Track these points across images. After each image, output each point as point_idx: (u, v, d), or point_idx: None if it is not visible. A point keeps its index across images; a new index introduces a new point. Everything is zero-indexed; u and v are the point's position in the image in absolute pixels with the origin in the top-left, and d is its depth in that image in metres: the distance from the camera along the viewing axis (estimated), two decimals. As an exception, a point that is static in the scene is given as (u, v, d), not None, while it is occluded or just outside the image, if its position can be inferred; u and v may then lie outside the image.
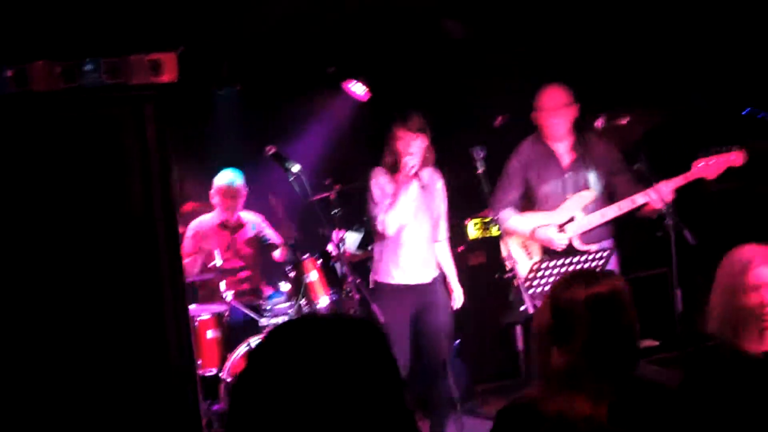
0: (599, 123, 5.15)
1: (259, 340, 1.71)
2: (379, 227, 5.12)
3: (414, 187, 5.15)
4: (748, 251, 3.06)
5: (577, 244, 5.14)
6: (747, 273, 3.00)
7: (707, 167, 4.94)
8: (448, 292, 5.39)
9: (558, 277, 4.41)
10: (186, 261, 5.75)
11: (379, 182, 5.20)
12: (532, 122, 5.33)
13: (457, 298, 5.42)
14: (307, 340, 1.63)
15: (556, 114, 5.21)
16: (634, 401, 2.50)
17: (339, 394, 1.57)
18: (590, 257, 4.69)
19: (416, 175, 5.11)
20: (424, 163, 5.23)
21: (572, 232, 5.16)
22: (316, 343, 1.62)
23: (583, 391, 2.43)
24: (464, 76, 6.69)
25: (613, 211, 5.11)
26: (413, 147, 5.10)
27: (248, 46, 6.14)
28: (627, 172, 5.22)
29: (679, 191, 4.97)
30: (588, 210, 5.18)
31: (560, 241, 5.13)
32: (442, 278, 5.38)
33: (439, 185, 5.37)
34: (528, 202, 5.36)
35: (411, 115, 5.13)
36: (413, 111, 5.16)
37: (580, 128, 5.30)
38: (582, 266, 4.58)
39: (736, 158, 4.93)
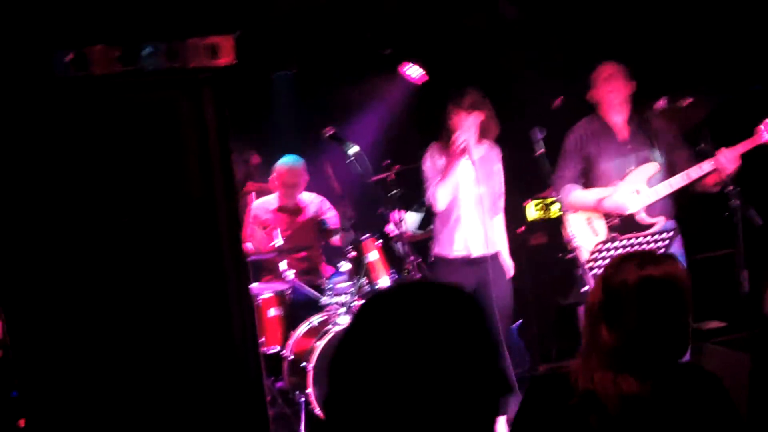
0: (661, 104, 5.08)
1: (353, 312, 1.69)
2: (429, 201, 5.19)
3: (466, 162, 5.17)
4: None
5: (643, 217, 5.07)
6: None
7: None
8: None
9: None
10: (247, 241, 5.83)
11: (431, 158, 5.28)
12: (588, 103, 5.27)
13: (507, 271, 5.48)
14: (404, 308, 1.63)
15: (612, 86, 5.15)
16: (680, 384, 2.47)
17: (434, 363, 1.57)
18: (655, 237, 4.61)
19: (466, 150, 5.12)
20: (483, 137, 5.27)
21: (639, 204, 5.08)
22: (412, 311, 1.62)
23: (627, 371, 2.41)
24: (521, 57, 6.62)
25: (680, 180, 5.01)
26: (465, 124, 5.14)
27: (304, 29, 6.14)
28: (686, 148, 5.15)
29: (745, 171, 4.86)
30: (652, 183, 5.10)
31: (632, 205, 5.06)
32: (501, 255, 5.39)
33: (496, 159, 5.37)
34: (589, 178, 5.29)
35: (465, 91, 5.17)
36: (468, 87, 5.18)
37: (640, 108, 5.23)
38: (646, 246, 4.50)
39: None
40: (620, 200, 5.08)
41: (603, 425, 2.38)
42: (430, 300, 1.64)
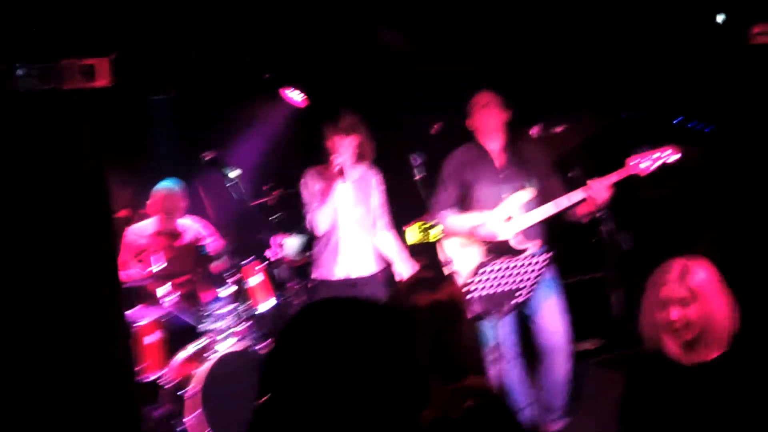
0: (535, 131, 5.20)
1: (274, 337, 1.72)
2: (308, 225, 5.22)
3: (345, 184, 5.22)
4: (668, 265, 3.09)
5: (515, 243, 5.18)
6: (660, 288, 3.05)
7: (640, 163, 4.99)
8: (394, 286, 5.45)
9: (499, 280, 4.46)
10: (122, 268, 5.68)
11: (308, 183, 5.32)
12: (467, 129, 5.38)
13: (405, 276, 5.46)
14: (334, 320, 1.71)
15: (487, 114, 5.26)
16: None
17: (360, 374, 1.64)
18: (531, 261, 4.71)
19: (343, 173, 5.17)
20: (359, 159, 5.34)
21: (510, 231, 5.19)
22: (341, 323, 1.70)
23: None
24: (401, 83, 6.71)
25: (550, 208, 5.13)
26: (342, 146, 5.20)
27: (183, 51, 6.08)
28: (557, 175, 5.29)
29: (613, 199, 5.02)
30: (525, 209, 5.22)
31: (503, 233, 5.15)
32: (383, 275, 5.43)
33: (373, 180, 5.43)
34: (465, 204, 5.38)
35: (341, 115, 5.23)
36: (344, 111, 5.24)
37: (514, 134, 5.36)
38: (523, 269, 4.59)
39: (669, 154, 4.99)
40: (492, 229, 5.17)
41: None
42: (360, 314, 1.72)
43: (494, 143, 5.32)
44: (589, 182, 4.95)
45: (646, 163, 5.00)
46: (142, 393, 5.07)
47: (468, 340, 2.62)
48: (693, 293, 2.98)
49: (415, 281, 2.73)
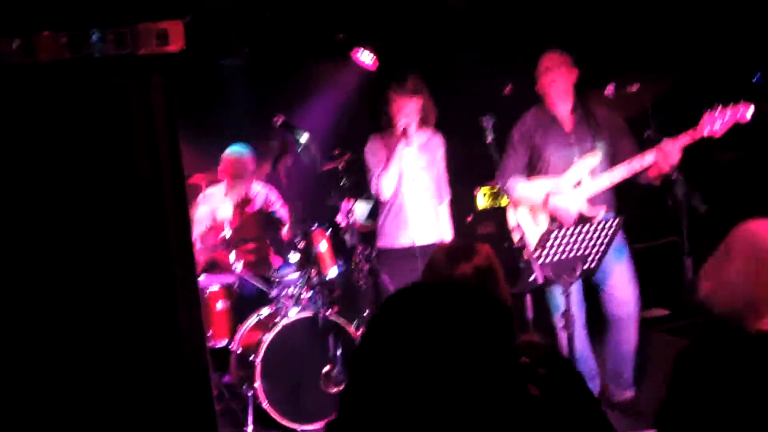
0: (609, 91, 5.11)
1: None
2: (374, 190, 5.19)
3: (410, 149, 5.18)
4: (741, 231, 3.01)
5: (585, 209, 5.12)
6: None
7: (713, 123, 4.86)
8: None
9: (569, 246, 4.42)
10: (195, 232, 5.76)
11: (372, 148, 5.29)
12: (537, 92, 5.32)
13: None
14: (427, 309, 1.59)
15: (553, 76, 5.18)
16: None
17: (455, 365, 1.53)
18: (599, 227, 4.66)
19: (408, 135, 5.13)
20: (422, 124, 5.27)
21: (581, 195, 5.13)
22: (435, 312, 1.58)
23: None
24: (472, 45, 6.64)
25: (622, 172, 5.05)
26: (407, 109, 5.15)
27: (255, 14, 6.08)
28: (630, 136, 5.20)
29: (690, 159, 4.93)
30: (595, 173, 5.15)
31: (575, 206, 5.10)
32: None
33: (439, 145, 5.39)
34: (534, 169, 5.33)
35: (405, 77, 5.16)
36: (408, 73, 5.18)
37: (585, 95, 5.28)
38: (591, 235, 4.55)
39: (743, 112, 4.85)
40: (563, 202, 5.11)
41: None
42: (460, 302, 1.61)
43: (563, 106, 5.23)
44: (661, 143, 4.86)
45: (719, 122, 4.86)
46: (212, 360, 5.16)
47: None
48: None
49: (450, 252, 2.71)
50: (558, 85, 5.19)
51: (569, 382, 2.42)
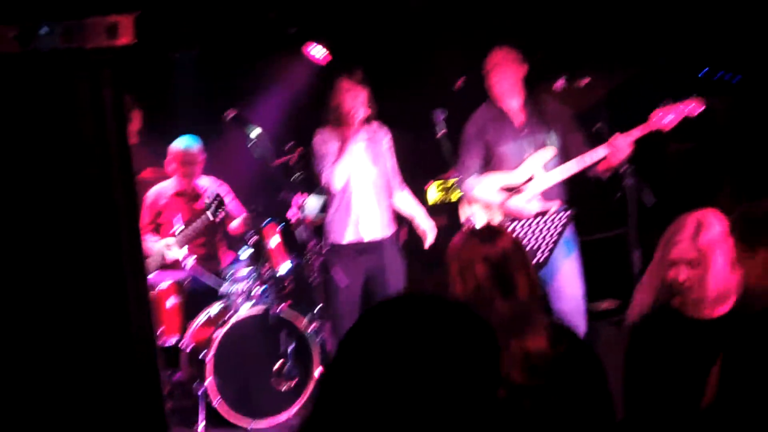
0: (559, 85, 5.16)
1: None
2: (324, 181, 5.16)
3: (360, 139, 5.17)
4: (682, 222, 3.09)
5: (539, 206, 5.16)
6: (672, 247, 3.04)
7: (664, 117, 4.95)
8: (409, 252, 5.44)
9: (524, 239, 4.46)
10: (144, 229, 5.68)
11: (322, 138, 5.25)
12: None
13: (429, 232, 5.48)
14: (403, 324, 1.52)
15: (500, 73, 5.20)
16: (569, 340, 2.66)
17: (431, 381, 1.47)
18: (548, 219, 4.70)
19: (362, 126, 5.13)
20: (368, 118, 5.26)
21: (535, 190, 5.17)
22: (413, 327, 1.51)
23: (533, 333, 2.57)
24: (423, 38, 6.65)
25: (574, 166, 5.11)
26: (359, 98, 5.13)
27: (206, 7, 6.03)
28: (579, 130, 5.26)
29: (638, 151, 4.99)
30: (548, 168, 5.19)
31: (530, 210, 5.13)
32: (395, 240, 5.41)
33: (385, 139, 5.39)
34: (488, 164, 5.36)
35: (354, 66, 5.15)
36: (355, 64, 5.17)
37: (536, 89, 5.32)
38: (543, 228, 4.59)
39: (693, 107, 4.95)
40: (520, 206, 5.13)
41: (510, 392, 2.47)
42: (442, 318, 1.54)
43: (512, 101, 5.26)
44: (611, 138, 4.92)
45: (670, 117, 4.95)
46: (163, 357, 5.11)
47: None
48: (702, 253, 2.97)
49: (475, 234, 2.77)
50: (506, 81, 5.21)
51: (585, 365, 2.61)
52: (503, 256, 2.67)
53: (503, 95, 5.25)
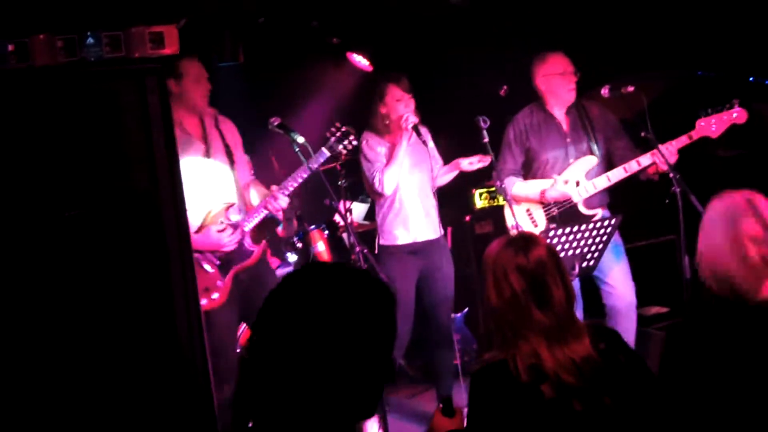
0: (605, 92, 5.14)
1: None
2: (377, 186, 5.18)
3: (408, 145, 5.19)
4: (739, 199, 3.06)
5: (582, 209, 5.16)
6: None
7: (709, 125, 4.94)
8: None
9: (568, 244, 4.44)
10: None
11: (371, 144, 5.27)
12: (534, 91, 5.33)
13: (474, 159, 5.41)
14: (313, 284, 1.87)
15: (560, 80, 5.21)
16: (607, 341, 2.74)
17: (333, 334, 1.81)
18: (597, 225, 4.68)
19: (410, 132, 5.14)
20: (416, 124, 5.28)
21: (578, 197, 5.17)
22: (319, 288, 1.86)
23: (574, 338, 2.64)
24: (468, 45, 6.63)
25: (618, 173, 5.13)
26: (408, 107, 5.17)
27: (250, 17, 6.08)
28: (625, 138, 5.28)
29: (687, 158, 4.96)
30: (591, 175, 5.19)
31: (575, 195, 5.15)
32: (444, 240, 5.42)
33: (430, 143, 5.40)
34: (530, 170, 5.36)
35: (401, 74, 5.19)
36: (402, 72, 5.21)
37: (581, 96, 5.33)
38: (589, 234, 4.56)
39: (738, 116, 4.94)
40: (562, 190, 5.17)
41: (558, 391, 2.58)
42: (344, 283, 1.88)
43: (560, 107, 5.28)
44: (659, 147, 4.89)
45: (716, 124, 4.92)
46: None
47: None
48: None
49: (512, 242, 2.80)
50: (562, 90, 5.24)
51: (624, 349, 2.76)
52: (538, 266, 2.68)
53: (554, 99, 5.28)
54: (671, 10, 6.04)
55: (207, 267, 4.72)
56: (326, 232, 5.65)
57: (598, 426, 2.59)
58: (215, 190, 4.84)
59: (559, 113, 5.29)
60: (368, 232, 6.21)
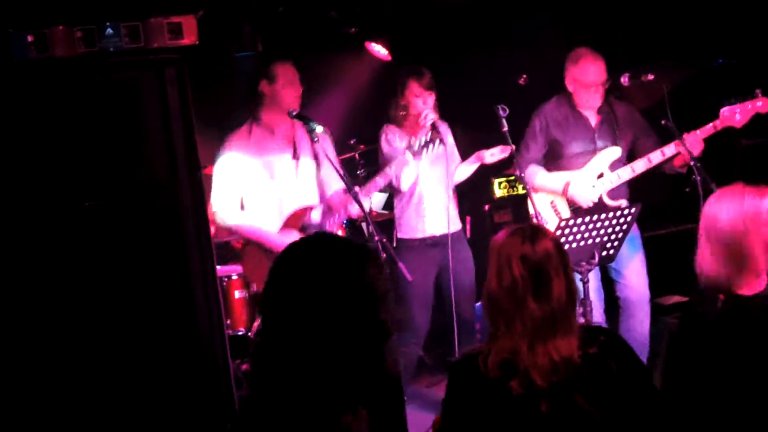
0: (624, 80, 5.12)
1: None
2: (394, 183, 5.18)
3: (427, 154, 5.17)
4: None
5: (607, 200, 5.15)
6: None
7: (733, 114, 4.91)
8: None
9: (588, 233, 4.43)
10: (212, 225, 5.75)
11: (389, 138, 5.25)
12: (555, 78, 5.30)
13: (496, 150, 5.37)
14: (308, 254, 2.10)
15: (595, 89, 5.16)
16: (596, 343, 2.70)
17: (324, 305, 2.00)
18: (617, 214, 4.66)
19: (437, 128, 5.12)
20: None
21: (602, 187, 5.15)
22: (314, 257, 2.08)
23: (562, 336, 2.62)
24: (486, 34, 6.61)
25: (643, 164, 5.10)
26: (428, 102, 5.14)
27: (269, 7, 6.08)
28: (653, 134, 5.25)
29: (708, 147, 4.92)
30: (615, 167, 5.16)
31: (593, 197, 5.14)
32: (463, 234, 5.41)
33: (450, 136, 5.38)
34: (555, 163, 5.34)
35: (423, 70, 5.17)
36: (423, 67, 5.19)
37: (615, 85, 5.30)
38: (608, 224, 4.54)
39: (763, 105, 4.91)
40: (583, 192, 5.15)
41: (526, 389, 2.58)
42: (321, 252, 2.09)
43: (591, 104, 5.24)
44: (684, 137, 4.86)
45: (740, 114, 4.90)
46: (232, 347, 5.17)
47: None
48: None
49: (518, 232, 2.78)
50: (596, 97, 5.19)
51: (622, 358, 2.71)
52: (543, 258, 2.66)
53: (586, 96, 5.22)
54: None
55: None
56: (345, 221, 5.64)
57: (565, 429, 2.58)
58: (299, 191, 4.95)
59: (587, 111, 5.26)
60: (387, 222, 6.21)
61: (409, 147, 4.92)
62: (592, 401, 2.57)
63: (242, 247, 5.27)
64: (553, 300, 2.63)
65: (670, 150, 4.99)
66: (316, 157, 4.99)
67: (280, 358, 2.01)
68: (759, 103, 4.90)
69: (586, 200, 5.14)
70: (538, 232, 2.75)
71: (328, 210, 4.97)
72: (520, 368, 2.59)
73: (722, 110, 4.94)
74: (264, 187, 4.92)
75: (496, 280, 2.70)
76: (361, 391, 2.04)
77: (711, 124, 4.94)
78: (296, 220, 4.84)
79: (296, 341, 1.99)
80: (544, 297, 2.63)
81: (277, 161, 4.90)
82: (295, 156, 4.94)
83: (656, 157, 5.05)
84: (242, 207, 4.96)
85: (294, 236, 4.71)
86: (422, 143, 4.87)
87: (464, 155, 5.51)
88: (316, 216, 4.91)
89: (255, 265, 4.92)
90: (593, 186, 5.16)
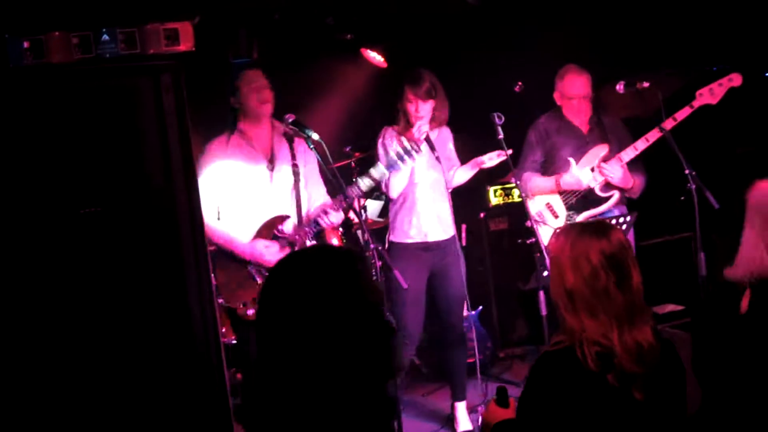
0: (620, 87, 5.17)
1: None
2: (383, 189, 5.20)
3: (423, 148, 5.17)
4: None
5: (599, 192, 5.32)
6: None
7: (708, 93, 5.06)
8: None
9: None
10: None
11: (385, 142, 5.26)
12: (546, 86, 5.38)
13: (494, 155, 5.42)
14: (296, 265, 2.12)
15: (579, 102, 5.34)
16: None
17: (319, 313, 2.01)
18: (615, 222, 4.69)
19: (429, 139, 5.13)
20: (435, 123, 5.27)
21: (594, 179, 5.23)
22: (303, 267, 2.10)
23: (642, 324, 2.67)
24: (483, 42, 6.62)
25: (630, 152, 5.21)
26: (423, 110, 5.14)
27: (265, 14, 6.09)
28: (632, 140, 5.33)
29: (703, 155, 4.96)
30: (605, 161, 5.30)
31: (587, 178, 5.26)
32: (456, 240, 5.42)
33: (449, 141, 5.39)
34: (550, 168, 5.41)
35: (421, 77, 5.15)
36: (422, 72, 5.18)
37: (596, 92, 5.43)
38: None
39: (734, 80, 5.05)
40: (576, 175, 5.25)
41: (621, 380, 2.61)
42: (310, 262, 2.12)
43: (579, 114, 5.40)
44: (663, 123, 5.01)
45: (714, 90, 5.05)
46: (227, 355, 5.15)
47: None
48: None
49: (588, 227, 2.83)
50: (581, 109, 5.38)
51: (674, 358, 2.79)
52: (620, 248, 2.71)
53: (571, 115, 5.40)
54: (686, 6, 6.01)
55: (258, 280, 4.82)
56: (341, 229, 5.64)
57: (658, 416, 2.64)
58: (273, 201, 4.92)
59: (577, 120, 5.40)
60: (382, 230, 6.21)
61: (387, 158, 4.91)
62: (668, 390, 2.66)
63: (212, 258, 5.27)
64: (633, 288, 2.68)
65: (653, 136, 5.11)
66: (295, 167, 4.96)
67: (286, 372, 2.01)
68: (731, 79, 5.04)
69: (580, 182, 5.27)
70: (606, 226, 2.80)
71: (301, 222, 4.95)
72: (614, 358, 2.62)
73: (697, 92, 5.09)
74: (238, 195, 4.91)
75: (571, 273, 2.71)
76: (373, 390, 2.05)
77: (687, 106, 5.06)
78: (268, 229, 4.83)
79: (305, 352, 1.99)
80: (625, 286, 2.67)
81: (252, 170, 4.88)
82: (271, 165, 4.92)
83: (641, 144, 5.16)
84: (219, 217, 4.95)
85: (257, 249, 4.77)
86: (396, 157, 4.85)
87: (461, 162, 5.52)
88: (288, 227, 4.89)
89: (224, 277, 4.90)
90: (583, 173, 5.30)
